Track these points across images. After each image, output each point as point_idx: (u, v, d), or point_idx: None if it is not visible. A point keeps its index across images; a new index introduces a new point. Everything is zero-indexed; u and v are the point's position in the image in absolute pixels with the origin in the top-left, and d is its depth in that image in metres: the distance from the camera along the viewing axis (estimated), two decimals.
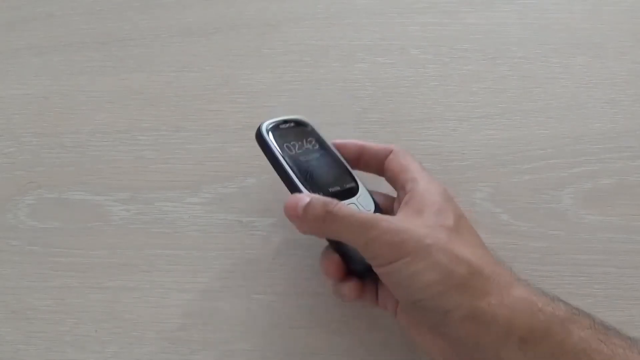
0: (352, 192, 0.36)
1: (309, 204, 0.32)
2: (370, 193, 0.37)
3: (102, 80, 0.47)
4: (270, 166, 0.36)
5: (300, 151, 0.37)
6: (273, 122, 0.37)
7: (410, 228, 0.31)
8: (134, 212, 0.44)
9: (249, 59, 0.47)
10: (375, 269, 0.32)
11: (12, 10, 0.50)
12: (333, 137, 0.39)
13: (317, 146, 0.38)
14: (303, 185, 0.35)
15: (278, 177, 0.36)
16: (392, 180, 0.37)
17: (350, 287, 0.35)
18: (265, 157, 0.36)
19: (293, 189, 0.35)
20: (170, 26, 0.48)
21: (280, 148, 0.36)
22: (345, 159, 0.38)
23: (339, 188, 0.36)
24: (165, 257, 0.42)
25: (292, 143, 0.37)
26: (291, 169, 0.35)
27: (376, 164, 0.37)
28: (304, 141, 0.37)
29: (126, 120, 0.46)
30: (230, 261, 0.42)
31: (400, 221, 0.31)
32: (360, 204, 0.35)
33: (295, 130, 0.38)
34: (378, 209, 0.36)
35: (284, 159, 0.36)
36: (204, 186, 0.44)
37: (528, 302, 0.29)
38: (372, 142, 0.38)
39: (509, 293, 0.29)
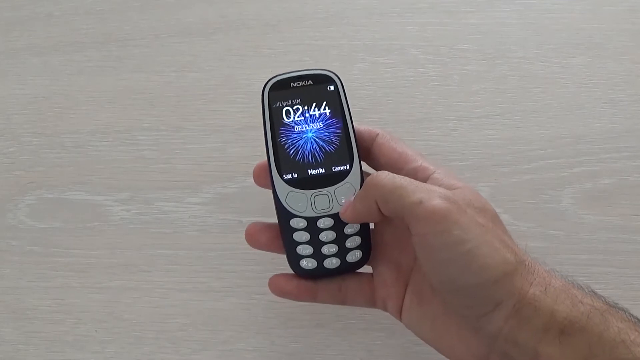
0: (336, 178, 0.33)
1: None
2: (363, 180, 0.34)
3: (102, 80, 0.47)
4: None
5: (300, 118, 0.34)
6: (284, 78, 0.34)
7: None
8: (134, 212, 0.44)
9: (249, 59, 0.47)
10: (426, 244, 0.29)
11: (12, 10, 0.50)
12: None
13: (327, 112, 0.34)
14: (275, 162, 0.33)
15: None
16: (386, 167, 0.33)
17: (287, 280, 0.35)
18: None
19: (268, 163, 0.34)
20: (170, 26, 0.48)
21: (273, 113, 0.34)
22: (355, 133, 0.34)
23: (322, 171, 0.33)
24: (165, 257, 0.42)
25: (295, 107, 0.34)
26: (272, 142, 0.33)
27: (361, 146, 0.35)
28: (314, 105, 0.34)
29: (126, 120, 0.46)
30: (230, 261, 0.42)
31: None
32: (335, 195, 0.33)
33: (309, 89, 0.34)
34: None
35: (271, 127, 0.33)
36: (204, 186, 0.44)
37: (569, 293, 0.28)
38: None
39: (549, 283, 0.28)
